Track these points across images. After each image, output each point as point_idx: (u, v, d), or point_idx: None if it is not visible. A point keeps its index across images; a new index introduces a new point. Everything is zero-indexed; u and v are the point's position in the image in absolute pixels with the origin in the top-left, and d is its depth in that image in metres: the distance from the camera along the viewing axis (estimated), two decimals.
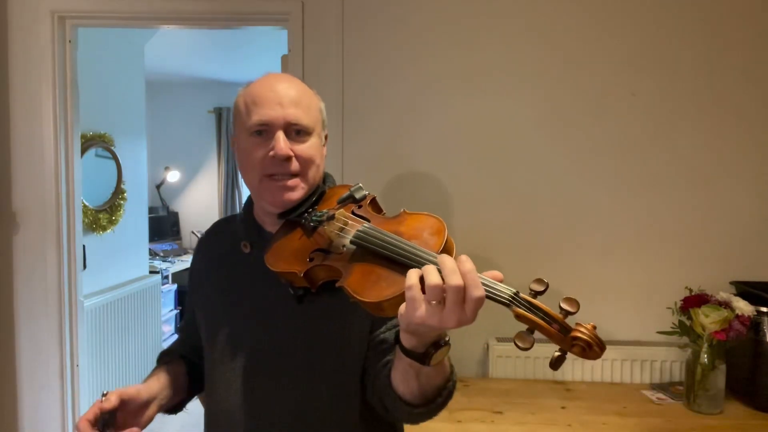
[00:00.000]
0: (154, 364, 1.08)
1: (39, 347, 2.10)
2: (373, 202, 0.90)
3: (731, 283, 1.84)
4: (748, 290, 1.75)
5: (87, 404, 2.30)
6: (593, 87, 1.90)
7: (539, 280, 0.67)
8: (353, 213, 0.88)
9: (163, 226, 5.03)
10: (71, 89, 2.09)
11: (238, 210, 5.31)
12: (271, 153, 0.88)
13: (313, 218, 0.88)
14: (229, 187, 5.30)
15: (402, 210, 0.84)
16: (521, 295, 0.65)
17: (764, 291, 1.71)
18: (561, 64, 1.90)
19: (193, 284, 1.10)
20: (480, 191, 1.93)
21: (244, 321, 0.96)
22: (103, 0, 2.02)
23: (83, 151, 2.46)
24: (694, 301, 1.66)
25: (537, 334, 0.64)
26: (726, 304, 1.61)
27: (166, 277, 3.99)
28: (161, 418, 1.00)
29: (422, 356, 0.72)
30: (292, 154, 0.89)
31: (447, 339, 0.73)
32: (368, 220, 0.85)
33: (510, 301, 0.64)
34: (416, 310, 0.64)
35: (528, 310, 0.64)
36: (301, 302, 0.87)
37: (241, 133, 0.94)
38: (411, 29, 1.93)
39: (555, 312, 0.64)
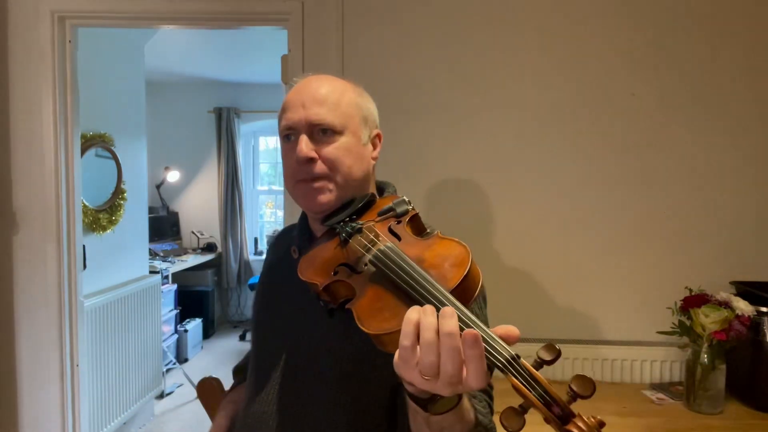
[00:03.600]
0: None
1: (39, 347, 2.10)
2: (414, 220, 0.81)
3: (731, 283, 1.84)
4: (748, 290, 1.74)
5: (87, 404, 2.30)
6: (593, 87, 1.90)
7: (550, 347, 0.54)
8: (389, 229, 0.79)
9: (163, 226, 5.03)
10: (71, 89, 2.09)
11: (237, 210, 5.31)
12: (295, 157, 0.86)
13: (346, 229, 0.81)
14: (229, 187, 5.30)
15: (436, 232, 0.75)
16: (521, 361, 0.53)
17: (764, 291, 1.70)
18: (560, 64, 1.90)
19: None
20: (477, 191, 1.93)
21: (277, 329, 0.95)
22: (103, 0, 2.02)
23: (83, 151, 2.46)
24: (694, 301, 1.66)
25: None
26: (726, 304, 1.61)
27: (166, 277, 3.98)
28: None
29: (426, 402, 0.60)
30: (314, 155, 0.86)
31: None
32: (399, 239, 0.76)
33: (504, 366, 0.53)
34: (407, 368, 0.55)
35: (525, 383, 0.52)
36: (332, 316, 0.80)
37: (280, 140, 0.93)
38: (411, 29, 1.93)
39: (558, 392, 0.52)
